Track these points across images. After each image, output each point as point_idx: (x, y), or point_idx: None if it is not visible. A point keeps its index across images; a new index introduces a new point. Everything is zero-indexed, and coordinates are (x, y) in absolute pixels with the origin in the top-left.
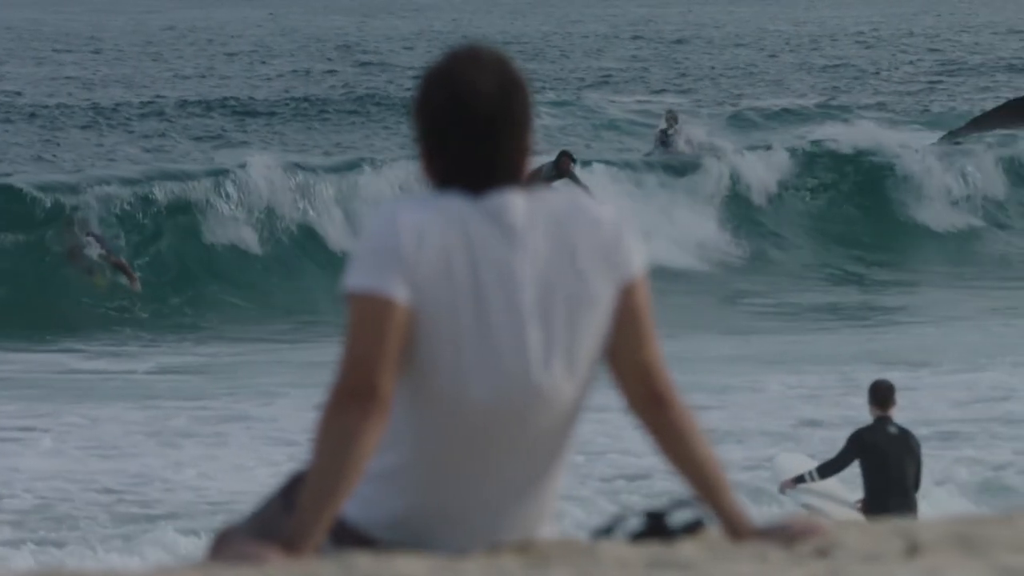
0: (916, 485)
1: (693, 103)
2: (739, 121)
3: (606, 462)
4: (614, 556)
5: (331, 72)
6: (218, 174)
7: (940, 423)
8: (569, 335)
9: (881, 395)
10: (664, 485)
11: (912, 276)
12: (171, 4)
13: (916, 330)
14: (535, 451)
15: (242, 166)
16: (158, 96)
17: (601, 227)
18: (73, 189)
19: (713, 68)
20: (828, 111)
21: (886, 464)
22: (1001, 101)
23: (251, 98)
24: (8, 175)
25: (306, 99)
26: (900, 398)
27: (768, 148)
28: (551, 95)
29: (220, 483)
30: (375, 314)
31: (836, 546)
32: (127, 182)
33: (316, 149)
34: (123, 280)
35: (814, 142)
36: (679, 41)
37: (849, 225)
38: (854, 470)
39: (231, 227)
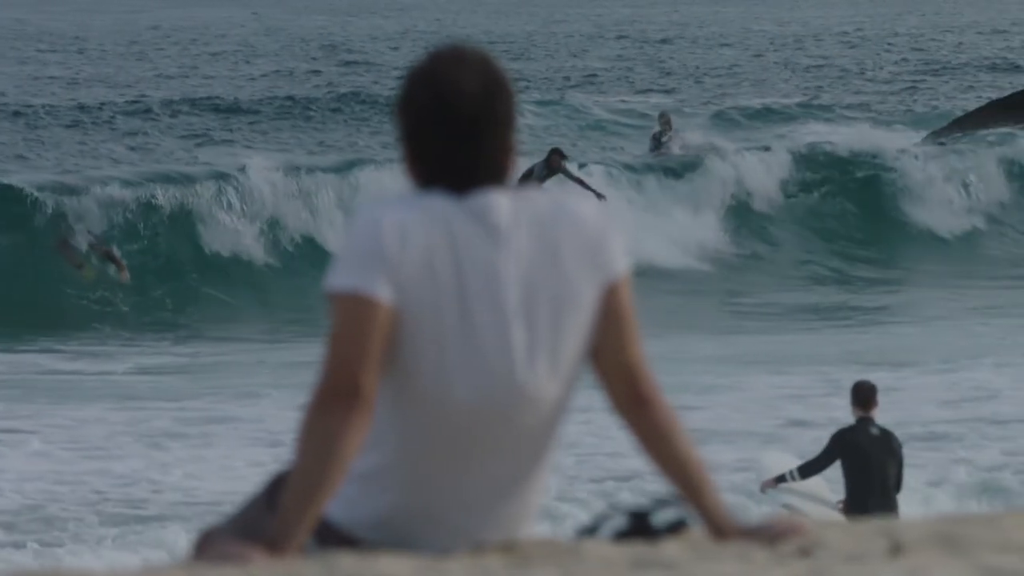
0: (898, 486)
1: (677, 102)
2: (722, 120)
3: (595, 463)
4: (598, 555)
5: (315, 72)
6: (209, 176)
7: (929, 424)
8: (553, 335)
9: (863, 396)
10: (655, 486)
11: (900, 276)
12: (155, 3)
13: (902, 330)
14: (519, 451)
15: (241, 169)
16: (142, 95)
17: (585, 227)
18: (59, 188)
19: (698, 68)
20: (811, 111)
21: (868, 465)
22: (984, 101)
23: (235, 97)
24: None
25: (290, 98)
26: (886, 398)
27: (767, 149)
28: (536, 95)
29: (208, 483)
30: (359, 314)
31: (819, 546)
32: (108, 181)
33: (300, 148)
34: (112, 270)
35: (810, 144)
36: (664, 41)
37: (839, 226)
38: (838, 470)
39: (215, 228)
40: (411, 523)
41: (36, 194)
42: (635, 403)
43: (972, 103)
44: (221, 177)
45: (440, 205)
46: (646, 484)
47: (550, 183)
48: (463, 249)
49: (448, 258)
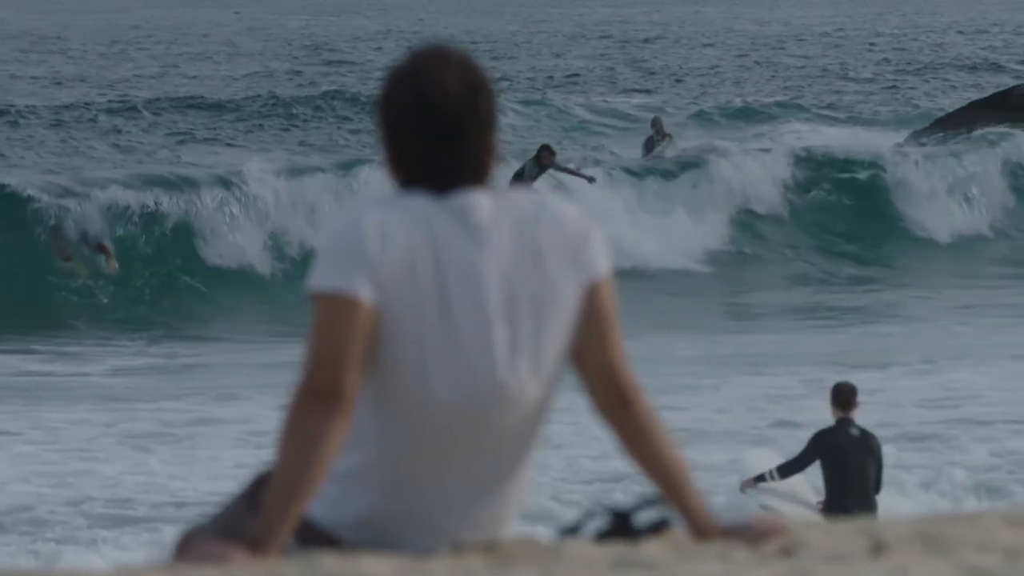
0: (877, 487)
1: (660, 102)
2: (701, 120)
3: (595, 463)
4: (579, 555)
5: (297, 71)
6: (189, 175)
7: (918, 425)
8: (534, 335)
9: (843, 397)
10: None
11: (884, 275)
12: (138, 3)
13: (885, 329)
14: (500, 451)
15: (238, 173)
16: (125, 95)
17: (566, 227)
18: (47, 188)
19: (680, 67)
20: (791, 110)
21: (847, 465)
22: (965, 101)
23: (218, 97)
24: None
25: (273, 97)
26: (872, 399)
27: (767, 151)
28: (518, 95)
29: (193, 484)
30: (340, 314)
31: (801, 546)
32: (90, 180)
33: (281, 147)
34: (102, 260)
35: (805, 147)
36: (646, 41)
37: (830, 228)
38: (818, 471)
39: (188, 226)
40: (392, 523)
41: (24, 194)
42: (616, 403)
43: (954, 103)
44: (203, 177)
45: (421, 205)
46: (640, 485)
47: (542, 179)
48: (444, 249)
49: (429, 258)
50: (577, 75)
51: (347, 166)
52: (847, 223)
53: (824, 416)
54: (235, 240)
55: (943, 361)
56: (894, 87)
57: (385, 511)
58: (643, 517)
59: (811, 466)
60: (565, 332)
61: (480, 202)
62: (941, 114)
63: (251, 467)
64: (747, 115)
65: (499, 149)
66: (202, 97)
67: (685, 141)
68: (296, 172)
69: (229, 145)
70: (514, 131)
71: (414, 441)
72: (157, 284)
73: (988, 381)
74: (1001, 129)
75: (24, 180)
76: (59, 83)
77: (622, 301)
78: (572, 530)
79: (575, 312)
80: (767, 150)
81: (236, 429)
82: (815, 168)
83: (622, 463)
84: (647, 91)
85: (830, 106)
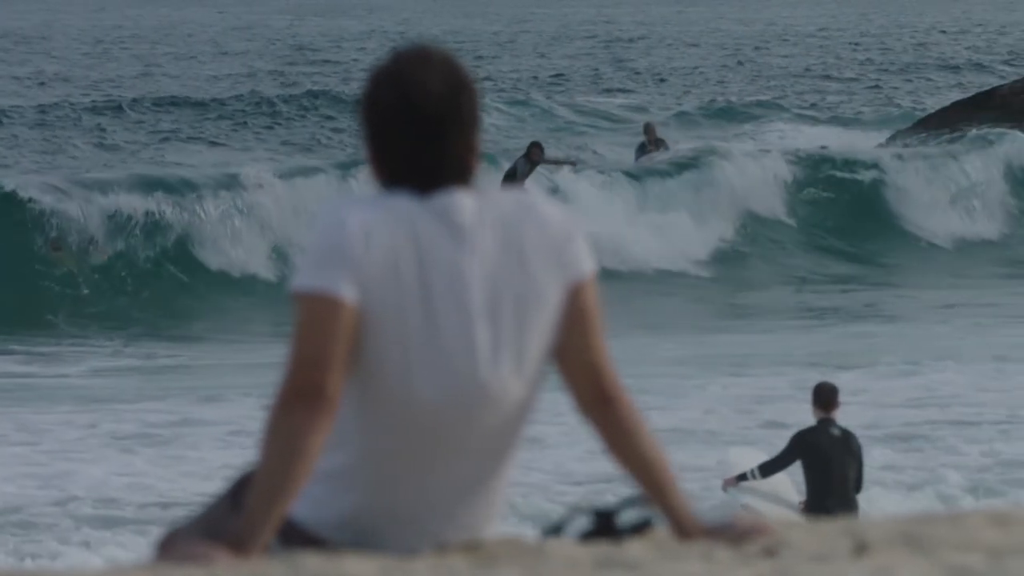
0: (857, 487)
1: (643, 102)
2: (683, 119)
3: (592, 464)
4: (562, 555)
5: (281, 71)
6: (170, 176)
7: (910, 425)
8: (517, 335)
9: (824, 397)
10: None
11: (881, 277)
12: (121, 2)
13: (874, 329)
14: (483, 450)
15: (236, 175)
16: (109, 94)
17: (550, 227)
18: (33, 186)
19: (664, 67)
20: (772, 110)
21: (828, 466)
22: (948, 102)
23: (202, 96)
24: None
25: (257, 97)
26: (860, 399)
27: (766, 151)
28: (503, 95)
29: (180, 484)
30: (323, 314)
31: (784, 545)
32: (74, 179)
33: (264, 146)
34: (91, 247)
35: (803, 149)
36: (630, 40)
37: (823, 228)
38: (799, 471)
39: (169, 226)
40: (376, 523)
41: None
42: (599, 402)
43: (936, 103)
44: (191, 176)
45: (404, 205)
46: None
47: (533, 177)
48: (427, 249)
49: (412, 258)
50: (561, 75)
51: (345, 166)
52: (840, 223)
53: (811, 417)
54: (220, 240)
55: (932, 362)
56: (877, 87)
57: (368, 511)
58: (626, 517)
59: (793, 465)
60: (548, 332)
61: (463, 202)
62: (924, 114)
63: (237, 468)
64: (729, 115)
65: (481, 149)
66: (186, 96)
67: (679, 144)
68: (288, 173)
69: (213, 144)
70: (498, 131)
71: (397, 441)
72: (137, 284)
73: (970, 380)
74: (1000, 130)
75: (10, 180)
76: (42, 83)
77: (611, 301)
78: (555, 530)
79: (558, 312)
80: (766, 151)
81: (221, 430)
82: (810, 169)
83: (611, 464)
84: (631, 91)
85: (813, 106)
